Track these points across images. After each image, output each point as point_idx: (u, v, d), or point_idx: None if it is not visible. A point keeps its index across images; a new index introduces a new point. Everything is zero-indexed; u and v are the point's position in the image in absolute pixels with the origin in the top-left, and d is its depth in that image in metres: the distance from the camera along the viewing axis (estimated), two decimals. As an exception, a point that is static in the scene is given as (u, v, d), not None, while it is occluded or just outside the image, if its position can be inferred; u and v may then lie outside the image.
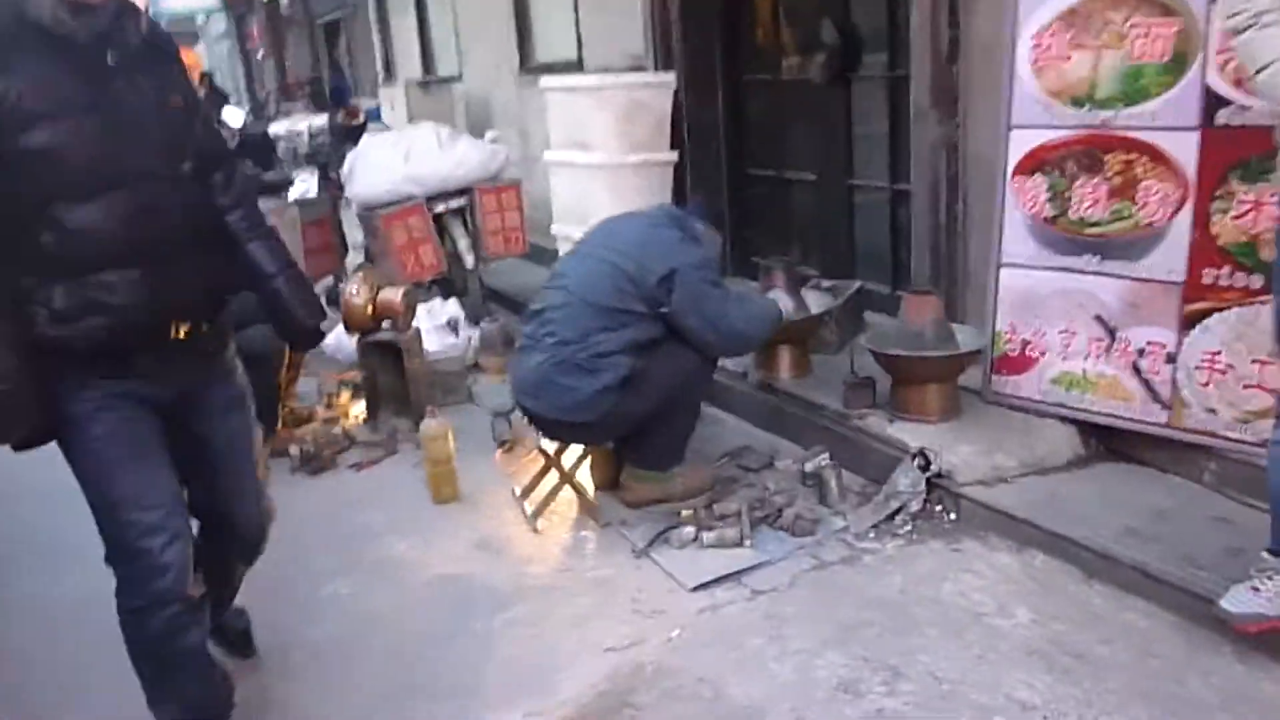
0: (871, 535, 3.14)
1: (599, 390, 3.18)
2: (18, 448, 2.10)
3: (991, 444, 3.24)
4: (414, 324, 4.63)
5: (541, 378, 3.26)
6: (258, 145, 6.64)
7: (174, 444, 2.23)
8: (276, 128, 6.84)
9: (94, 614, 2.31)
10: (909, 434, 3.33)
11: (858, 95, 4.72)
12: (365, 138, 5.89)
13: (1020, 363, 3.38)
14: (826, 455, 3.54)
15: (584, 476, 3.65)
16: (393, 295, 4.43)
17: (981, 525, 3.07)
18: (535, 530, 3.41)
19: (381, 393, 4.62)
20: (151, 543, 2.10)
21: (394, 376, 4.54)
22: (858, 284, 4.50)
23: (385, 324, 4.47)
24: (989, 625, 2.64)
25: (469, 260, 5.72)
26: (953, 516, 3.14)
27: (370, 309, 4.41)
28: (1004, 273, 3.38)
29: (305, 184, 6.60)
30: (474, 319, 5.64)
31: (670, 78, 5.14)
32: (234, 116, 6.87)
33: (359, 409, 4.71)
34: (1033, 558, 2.91)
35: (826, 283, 4.57)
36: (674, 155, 5.25)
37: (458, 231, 5.74)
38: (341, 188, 6.27)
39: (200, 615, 2.26)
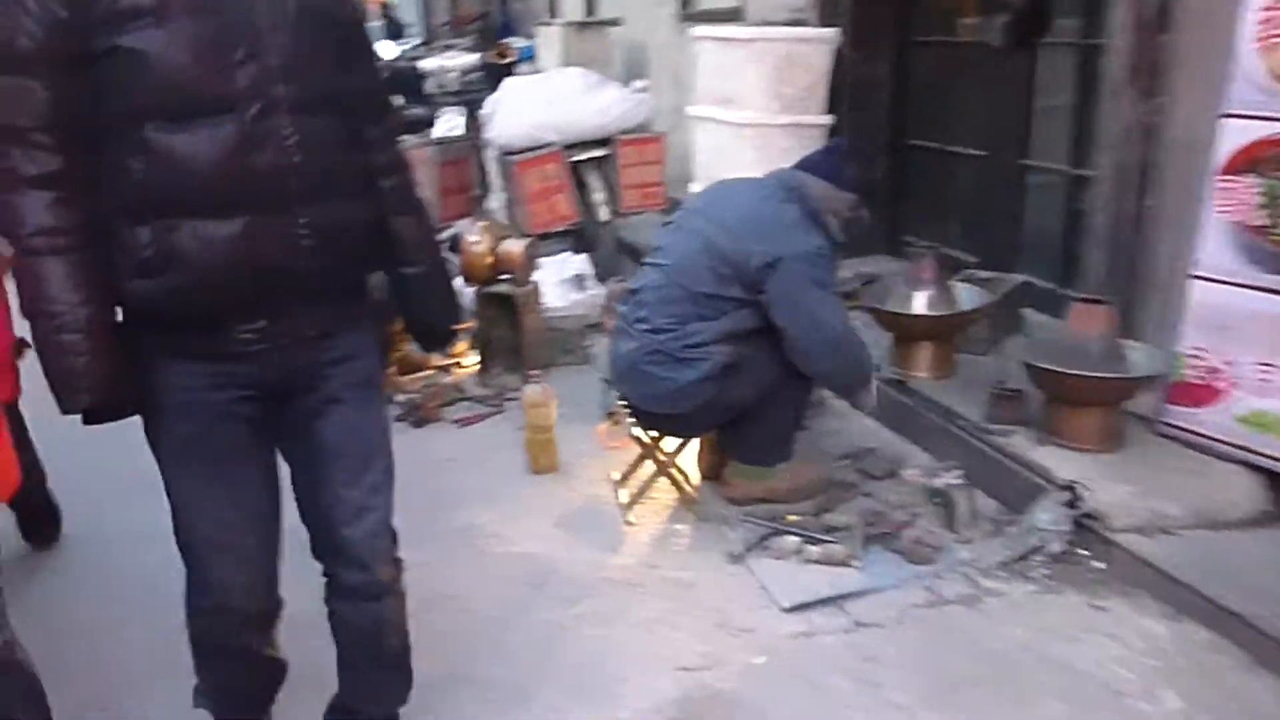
0: (1000, 573, 2.75)
1: (694, 381, 2.89)
2: (89, 419, 1.72)
3: (1156, 485, 2.78)
4: (534, 278, 4.44)
5: (633, 366, 3.00)
6: (405, 79, 6.55)
7: (279, 437, 1.89)
8: (428, 63, 6.73)
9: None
10: (1058, 462, 2.90)
11: (1043, 64, 4.17)
12: (510, 79, 5.68)
13: (1204, 393, 2.88)
14: (959, 472, 3.15)
15: (687, 464, 3.38)
16: (513, 246, 4.23)
17: (1133, 581, 2.64)
18: (628, 522, 3.16)
19: (495, 346, 4.46)
20: (219, 558, 1.85)
21: (510, 330, 4.36)
22: (1020, 278, 4.02)
23: (505, 276, 4.29)
24: (1127, 708, 2.24)
25: (603, 213, 5.46)
26: (1100, 566, 2.71)
27: (490, 259, 4.22)
28: (1196, 285, 2.88)
29: (451, 122, 6.48)
30: (603, 276, 5.40)
31: (832, 33, 4.69)
32: (385, 49, 6.78)
33: (473, 360, 4.56)
34: (1192, 631, 2.46)
35: (985, 274, 4.11)
36: (829, 118, 4.82)
37: (594, 182, 5.49)
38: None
39: (268, 629, 2.01)
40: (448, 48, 7.71)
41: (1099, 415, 2.91)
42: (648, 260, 3.11)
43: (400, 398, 4.10)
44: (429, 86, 6.73)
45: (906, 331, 3.53)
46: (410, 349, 4.62)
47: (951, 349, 3.57)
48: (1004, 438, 3.09)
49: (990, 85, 4.42)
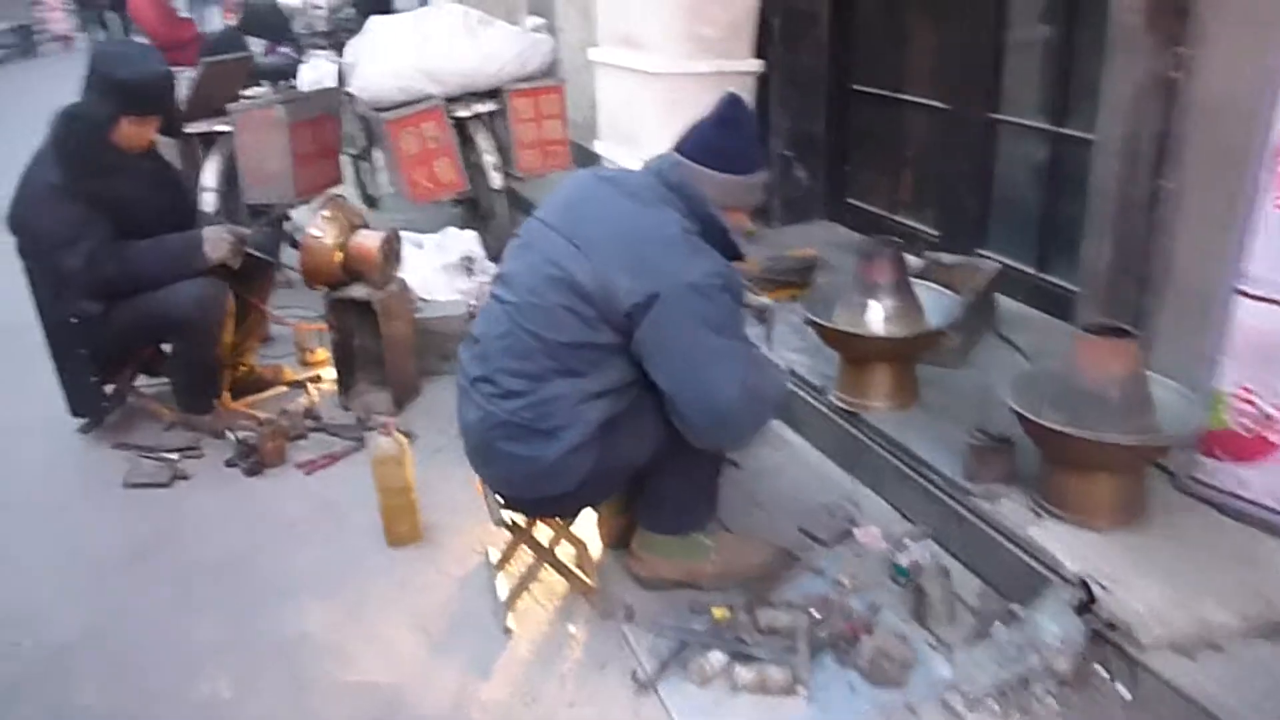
0: (991, 703, 2.05)
1: (562, 455, 2.13)
2: None
3: (1196, 578, 2.08)
4: (402, 274, 3.59)
5: (486, 446, 2.22)
6: (263, 19, 5.57)
7: None
8: (291, -1, 5.73)
9: None
10: (1063, 542, 2.19)
11: (1019, -6, 3.39)
12: (376, 19, 4.72)
13: (1252, 447, 2.18)
14: (929, 542, 2.45)
15: (584, 530, 2.62)
16: (367, 240, 3.37)
17: (1172, 718, 1.95)
18: (505, 630, 2.40)
19: (357, 360, 3.63)
20: None
21: (374, 338, 3.53)
22: (994, 265, 3.29)
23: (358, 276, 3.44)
24: None
25: (495, 179, 4.60)
26: (1125, 695, 2.02)
27: (338, 256, 3.36)
28: (1241, 304, 2.16)
29: (317, 70, 5.51)
30: (497, 255, 4.56)
31: (759, -42, 3.84)
32: (238, -19, 5.76)
33: (332, 376, 3.73)
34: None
35: (949, 257, 3.37)
36: (757, 64, 4.00)
37: (484, 142, 4.61)
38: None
39: None
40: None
41: (1116, 483, 2.20)
42: (493, 291, 2.30)
43: (231, 434, 3.27)
44: (296, 27, 5.73)
45: (859, 353, 2.78)
46: (258, 362, 3.78)
47: (913, 371, 2.83)
48: (989, 502, 2.37)
49: (955, 19, 3.62)
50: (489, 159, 4.59)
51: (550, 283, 2.11)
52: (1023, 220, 3.47)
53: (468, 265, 4.25)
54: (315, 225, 3.32)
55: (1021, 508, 2.33)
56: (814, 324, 2.75)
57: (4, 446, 3.51)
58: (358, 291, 3.42)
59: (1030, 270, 3.42)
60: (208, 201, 4.39)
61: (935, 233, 3.88)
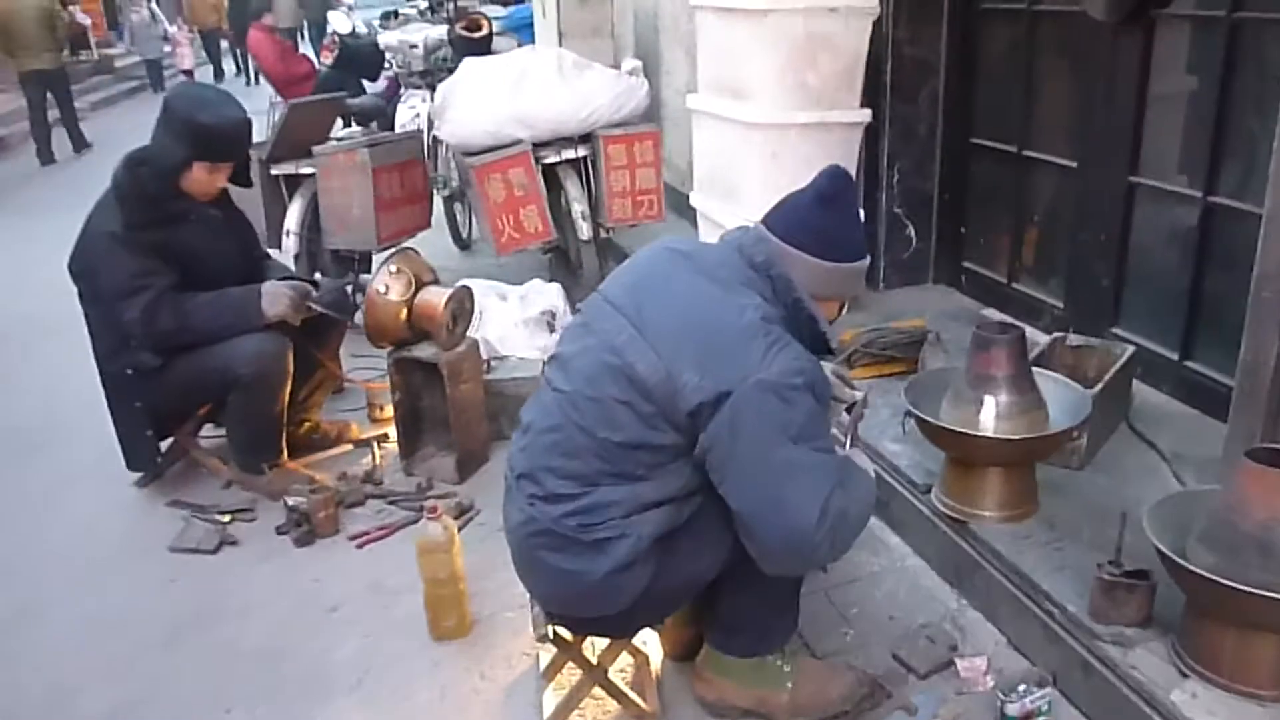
0: None
1: (612, 572, 1.84)
2: None
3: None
4: (473, 333, 3.38)
5: (527, 553, 1.95)
6: (362, 58, 5.51)
7: None
8: (388, 37, 5.64)
9: None
10: (1214, 714, 1.80)
11: (1164, 43, 3.00)
12: (471, 59, 4.57)
13: None
14: (1049, 690, 2.07)
15: (645, 643, 2.33)
16: (433, 297, 3.16)
17: None
18: (546, 763, 2.11)
19: (424, 422, 3.42)
20: None
21: (439, 400, 3.32)
22: (1128, 348, 2.88)
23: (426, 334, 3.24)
24: None
25: (584, 229, 4.37)
26: None
27: (405, 314, 3.17)
28: None
29: (413, 111, 5.41)
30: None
31: (871, 3, 3.52)
32: (340, 21, 5.72)
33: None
34: None
35: (1077, 338, 2.98)
36: (865, 114, 3.68)
37: (573, 190, 4.40)
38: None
39: None
40: (418, 17, 6.59)
41: (1277, 646, 1.80)
42: (545, 374, 2.03)
43: (290, 500, 3.08)
44: (392, 66, 5.66)
45: (970, 454, 2.42)
46: (324, 419, 3.62)
47: (1032, 475, 2.46)
48: (1120, 649, 1.99)
49: (1088, 71, 3.24)
50: (578, 208, 4.37)
51: (608, 372, 1.84)
52: (1165, 298, 3.06)
53: (549, 321, 4.02)
54: (380, 280, 3.14)
55: (1161, 661, 1.94)
56: (918, 419, 2.40)
57: (58, 495, 3.42)
58: (423, 351, 3.21)
59: (1172, 356, 3.00)
60: (289, 246, 4.29)
61: (1060, 305, 3.48)
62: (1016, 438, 2.28)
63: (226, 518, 3.15)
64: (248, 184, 3.25)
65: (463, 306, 3.24)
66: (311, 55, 10.23)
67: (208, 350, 3.01)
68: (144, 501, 3.32)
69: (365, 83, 6.86)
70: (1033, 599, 2.22)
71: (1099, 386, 2.59)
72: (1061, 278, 3.49)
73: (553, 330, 4.01)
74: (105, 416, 3.24)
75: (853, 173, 2.26)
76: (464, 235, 5.94)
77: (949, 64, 3.85)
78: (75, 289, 3.14)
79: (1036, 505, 2.46)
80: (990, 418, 2.32)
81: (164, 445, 3.32)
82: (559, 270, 4.81)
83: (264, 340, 3.03)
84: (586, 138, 4.40)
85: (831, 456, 1.83)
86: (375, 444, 3.56)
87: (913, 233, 4.04)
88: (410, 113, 5.35)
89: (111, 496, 3.35)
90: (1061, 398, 2.44)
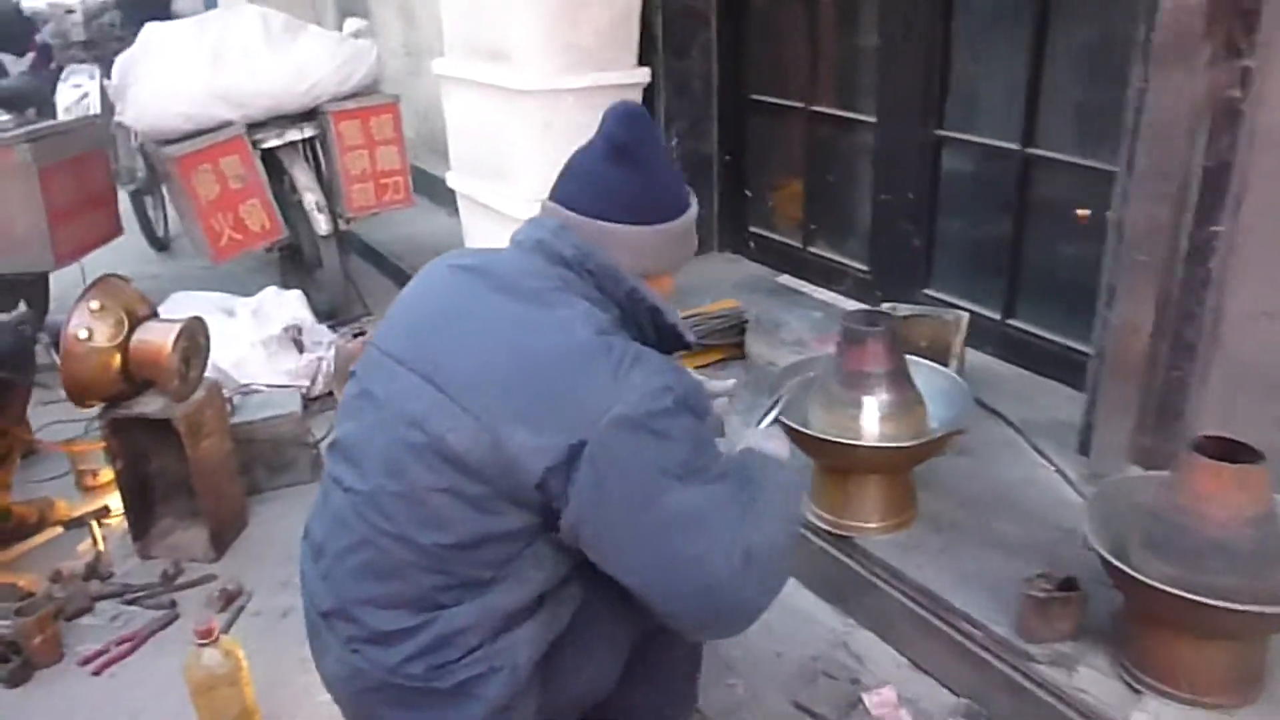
0: None
1: (490, 717, 1.38)
2: None
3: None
4: (206, 372, 2.69)
5: (362, 712, 1.44)
6: (3, 28, 4.44)
7: None
8: (35, 1, 4.57)
9: None
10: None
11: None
12: (153, 25, 3.72)
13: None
14: (974, 712, 1.84)
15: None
16: (157, 337, 2.46)
17: None
18: None
19: (156, 489, 2.72)
20: None
21: (175, 461, 2.63)
22: (963, 316, 2.71)
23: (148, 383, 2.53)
24: None
25: (321, 222, 3.71)
26: None
27: (119, 362, 2.45)
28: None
29: (79, 90, 4.43)
30: (331, 316, 3.70)
31: (639, -54, 3.14)
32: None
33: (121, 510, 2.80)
34: None
35: (904, 308, 2.78)
36: (644, 74, 3.30)
37: (302, 177, 3.72)
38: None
39: None
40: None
41: (1235, 652, 1.65)
42: (328, 471, 1.51)
43: (-17, 622, 2.32)
44: (44, 35, 4.61)
45: (850, 464, 2.14)
46: (16, 503, 2.81)
47: (911, 477, 2.22)
48: (1062, 669, 1.78)
49: (884, 15, 3.03)
50: (311, 198, 3.70)
51: (411, 454, 1.33)
52: (981, 257, 2.93)
53: (295, 337, 3.37)
54: (79, 323, 2.39)
55: (1107, 678, 1.74)
56: (789, 428, 2.08)
57: None
58: (148, 405, 2.51)
59: (994, 316, 2.88)
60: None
61: (865, 269, 3.30)
62: (910, 444, 2.01)
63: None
64: None
65: (195, 343, 2.55)
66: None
67: None
68: None
69: (5, 59, 5.65)
70: (942, 617, 1.98)
71: (956, 365, 2.39)
72: (863, 239, 3.31)
73: (301, 349, 3.37)
74: None
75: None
76: (160, 233, 5.02)
77: (721, 11, 3.53)
78: None
79: (916, 508, 2.22)
80: (873, 421, 2.04)
81: None
82: (291, 272, 4.11)
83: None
84: (311, 114, 3.73)
85: (727, 481, 1.41)
86: (93, 523, 2.81)
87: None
88: (75, 92, 4.36)
89: None
90: (930, 384, 2.20)
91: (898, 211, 3.10)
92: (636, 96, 3.30)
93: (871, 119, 3.14)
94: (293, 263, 4.09)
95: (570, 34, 3.04)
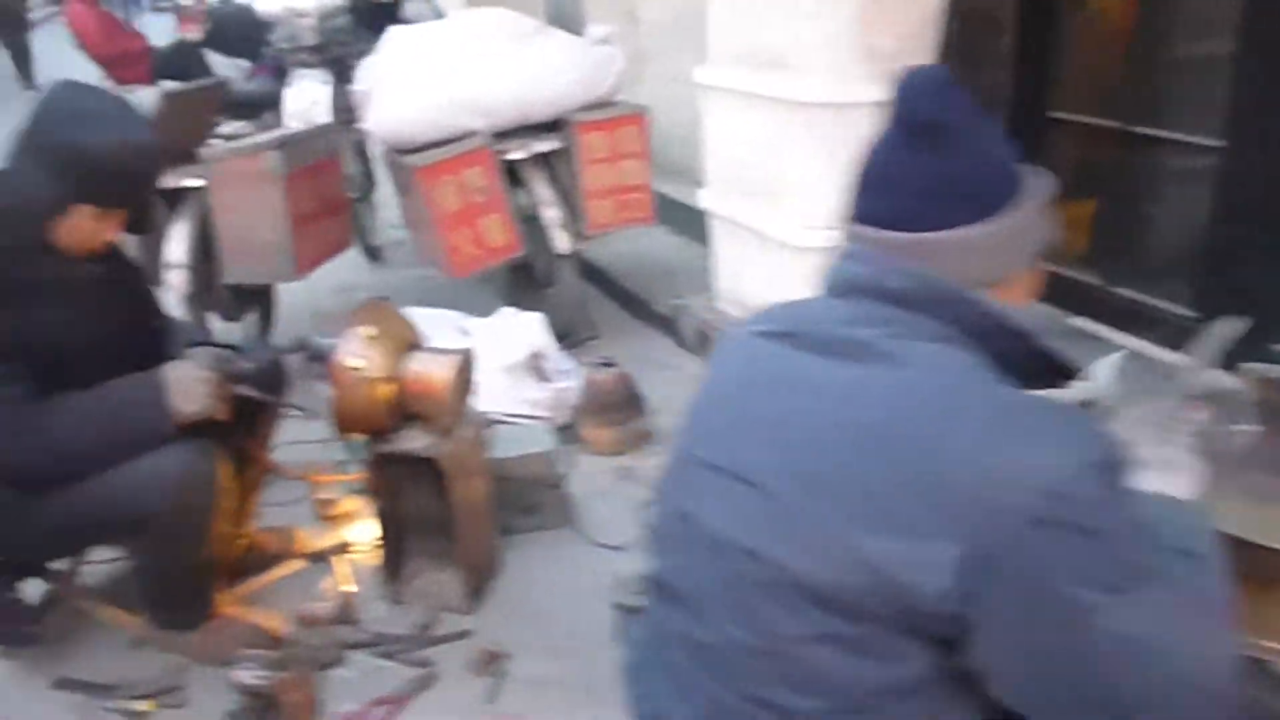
0: None
1: None
2: None
3: None
4: (468, 406, 2.46)
5: None
6: (238, 30, 4.42)
7: None
8: (268, 5, 4.54)
9: None
10: None
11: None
12: (395, 28, 3.58)
13: None
14: None
15: None
16: (434, 369, 2.24)
17: None
18: None
19: (408, 529, 2.50)
20: None
21: (434, 500, 2.41)
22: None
23: (416, 418, 2.31)
24: None
25: (561, 240, 3.48)
26: None
27: (387, 391, 2.23)
28: None
29: (309, 96, 4.35)
30: (561, 339, 3.46)
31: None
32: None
33: (371, 542, 2.61)
34: None
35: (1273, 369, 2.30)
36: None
37: (544, 192, 3.50)
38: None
39: None
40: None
41: None
42: (653, 614, 1.19)
43: (238, 676, 2.12)
44: (276, 40, 4.57)
45: (1265, 572, 1.71)
46: (259, 531, 2.65)
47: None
48: None
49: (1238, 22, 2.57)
50: (551, 213, 3.47)
51: (760, 593, 1.01)
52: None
53: (537, 366, 3.13)
54: (352, 351, 2.18)
55: None
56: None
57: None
58: (414, 442, 2.28)
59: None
60: (174, 283, 3.23)
61: (1192, 313, 2.82)
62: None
63: (145, 704, 2.17)
64: (146, 230, 2.23)
65: (467, 377, 2.32)
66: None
67: (98, 479, 2.00)
68: (8, 684, 2.29)
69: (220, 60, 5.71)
70: None
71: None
72: (1190, 280, 2.84)
73: (544, 379, 3.13)
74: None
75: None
76: (373, 242, 4.93)
77: (1022, 19, 3.12)
78: None
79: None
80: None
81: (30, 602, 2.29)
82: (519, 289, 3.90)
83: (182, 456, 2.03)
84: (553, 125, 3.51)
85: (1192, 575, 1.00)
86: (336, 560, 2.62)
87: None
88: (305, 99, 4.29)
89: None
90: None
91: (1243, 249, 2.62)
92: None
93: (1216, 142, 2.68)
94: (519, 280, 3.88)
95: (870, 38, 2.70)
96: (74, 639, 2.38)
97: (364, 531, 2.69)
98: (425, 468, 2.33)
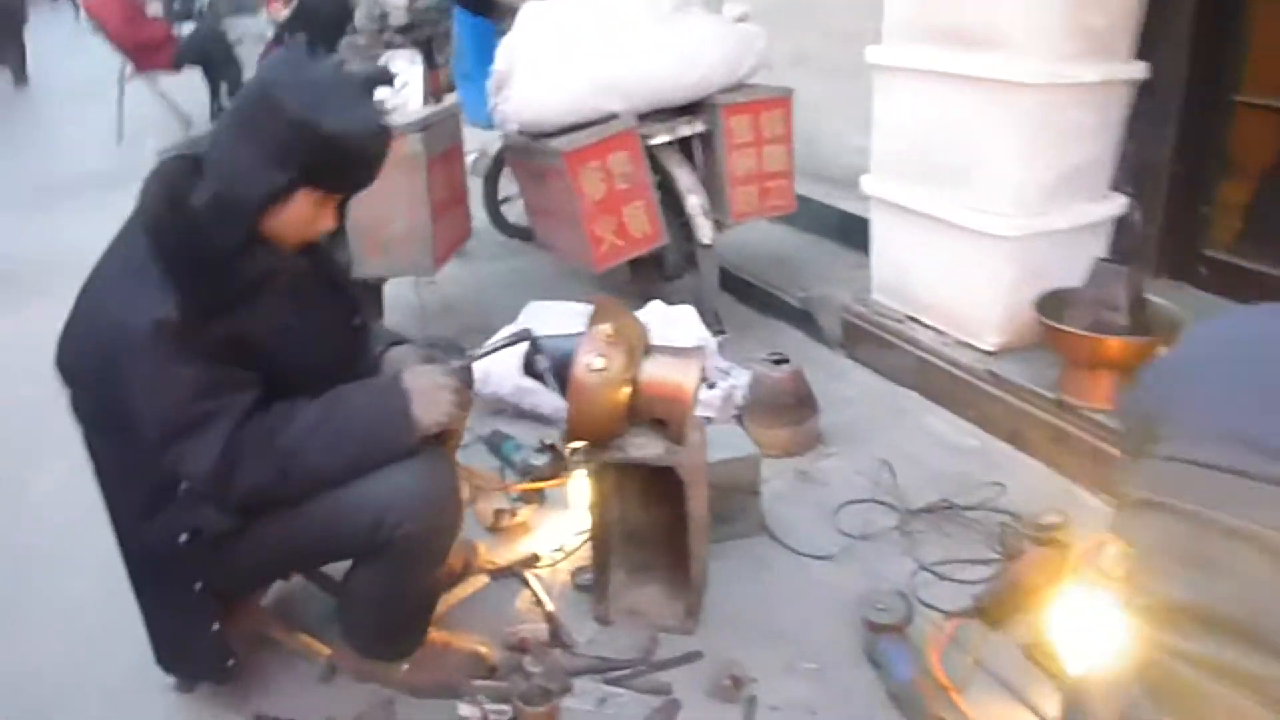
0: None
1: None
2: None
3: None
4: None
5: None
6: (324, 11, 4.17)
7: None
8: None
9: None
10: None
11: None
12: (537, 5, 3.35)
13: None
14: None
15: None
16: (672, 373, 2.06)
17: None
18: None
19: (612, 543, 2.32)
20: None
21: (636, 511, 2.23)
22: None
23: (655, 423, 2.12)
24: None
25: (705, 229, 3.29)
26: None
27: (630, 396, 2.05)
28: None
29: (400, 78, 4.11)
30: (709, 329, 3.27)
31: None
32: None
33: (553, 540, 2.43)
34: None
35: None
36: (1141, 67, 2.78)
37: (685, 178, 3.31)
38: (452, 87, 3.87)
39: None
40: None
41: None
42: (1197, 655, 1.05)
43: (472, 713, 1.93)
44: (360, 20, 4.33)
45: None
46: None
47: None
48: None
49: None
50: (695, 200, 3.28)
51: None
52: None
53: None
54: (592, 351, 1.99)
55: None
56: None
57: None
58: (648, 450, 2.10)
59: None
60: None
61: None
62: None
63: (357, 745, 1.98)
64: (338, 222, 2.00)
65: (701, 380, 2.14)
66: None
67: (331, 496, 1.80)
68: (199, 716, 2.08)
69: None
70: None
71: None
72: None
73: (709, 385, 2.94)
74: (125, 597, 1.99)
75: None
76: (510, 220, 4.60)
77: (1207, -1, 2.97)
78: (68, 395, 1.87)
79: None
80: None
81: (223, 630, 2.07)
82: (645, 280, 3.70)
83: (425, 471, 1.83)
84: (695, 107, 3.32)
85: None
86: (525, 572, 2.43)
87: (1139, 216, 3.19)
88: (397, 81, 4.06)
89: (144, 711, 2.09)
90: None
91: None
92: (1131, 95, 2.78)
93: None
94: (645, 271, 3.68)
95: (1084, 17, 2.54)
96: (251, 668, 2.18)
97: (545, 544, 2.51)
98: (638, 475, 2.15)
